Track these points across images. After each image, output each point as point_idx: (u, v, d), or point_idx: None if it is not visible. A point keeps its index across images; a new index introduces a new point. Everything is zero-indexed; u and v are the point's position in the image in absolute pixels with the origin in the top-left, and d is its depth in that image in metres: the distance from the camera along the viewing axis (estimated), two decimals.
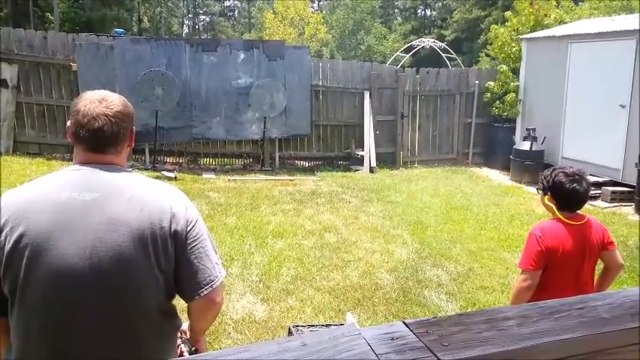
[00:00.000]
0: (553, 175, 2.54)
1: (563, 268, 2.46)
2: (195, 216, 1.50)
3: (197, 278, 1.46)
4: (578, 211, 2.56)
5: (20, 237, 1.34)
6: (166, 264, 1.42)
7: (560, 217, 2.50)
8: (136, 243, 1.37)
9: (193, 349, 1.65)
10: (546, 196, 2.57)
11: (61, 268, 1.34)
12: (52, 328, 1.36)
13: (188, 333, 1.67)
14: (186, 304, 1.56)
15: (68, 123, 1.52)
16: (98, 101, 1.49)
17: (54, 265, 1.34)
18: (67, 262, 1.34)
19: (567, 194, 2.49)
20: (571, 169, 2.55)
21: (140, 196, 1.43)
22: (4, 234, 1.36)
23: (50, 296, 1.35)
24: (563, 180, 2.49)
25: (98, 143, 1.48)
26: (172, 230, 1.42)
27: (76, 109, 1.50)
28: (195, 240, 1.47)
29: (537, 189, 2.70)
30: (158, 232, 1.40)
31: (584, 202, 2.56)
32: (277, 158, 9.32)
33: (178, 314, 1.59)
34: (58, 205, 1.37)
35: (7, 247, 1.35)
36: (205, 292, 1.47)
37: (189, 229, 1.46)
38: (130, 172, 1.54)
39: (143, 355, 1.44)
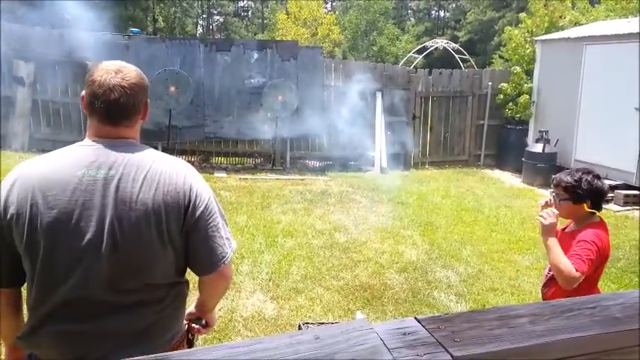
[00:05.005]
0: (590, 181, 2.43)
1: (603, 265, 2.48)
2: (208, 193, 1.51)
3: (210, 254, 1.49)
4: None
5: (40, 214, 1.36)
6: (180, 240, 1.45)
7: (602, 218, 2.48)
8: (152, 219, 1.40)
9: (204, 321, 1.69)
10: (585, 204, 2.44)
11: (81, 246, 1.37)
12: (73, 304, 1.39)
13: (194, 312, 1.70)
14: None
15: (83, 93, 1.51)
16: (114, 72, 1.48)
17: (73, 243, 1.37)
18: (86, 240, 1.37)
19: (604, 195, 2.49)
20: (586, 169, 2.51)
21: (156, 173, 1.44)
22: (24, 210, 1.37)
23: (70, 274, 1.38)
24: (600, 184, 2.45)
25: (113, 115, 1.48)
26: (186, 207, 1.44)
27: (91, 79, 1.47)
28: (209, 217, 1.48)
29: (563, 198, 2.53)
30: (174, 208, 1.42)
31: None
32: (288, 158, 9.33)
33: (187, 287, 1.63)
34: (76, 184, 1.39)
35: (27, 225, 1.37)
36: (218, 267, 1.50)
37: (202, 206, 1.47)
38: (145, 147, 1.53)
39: (156, 325, 1.48)
